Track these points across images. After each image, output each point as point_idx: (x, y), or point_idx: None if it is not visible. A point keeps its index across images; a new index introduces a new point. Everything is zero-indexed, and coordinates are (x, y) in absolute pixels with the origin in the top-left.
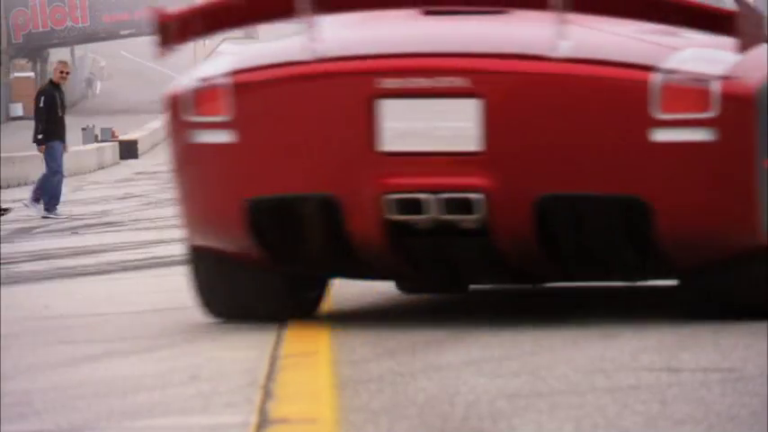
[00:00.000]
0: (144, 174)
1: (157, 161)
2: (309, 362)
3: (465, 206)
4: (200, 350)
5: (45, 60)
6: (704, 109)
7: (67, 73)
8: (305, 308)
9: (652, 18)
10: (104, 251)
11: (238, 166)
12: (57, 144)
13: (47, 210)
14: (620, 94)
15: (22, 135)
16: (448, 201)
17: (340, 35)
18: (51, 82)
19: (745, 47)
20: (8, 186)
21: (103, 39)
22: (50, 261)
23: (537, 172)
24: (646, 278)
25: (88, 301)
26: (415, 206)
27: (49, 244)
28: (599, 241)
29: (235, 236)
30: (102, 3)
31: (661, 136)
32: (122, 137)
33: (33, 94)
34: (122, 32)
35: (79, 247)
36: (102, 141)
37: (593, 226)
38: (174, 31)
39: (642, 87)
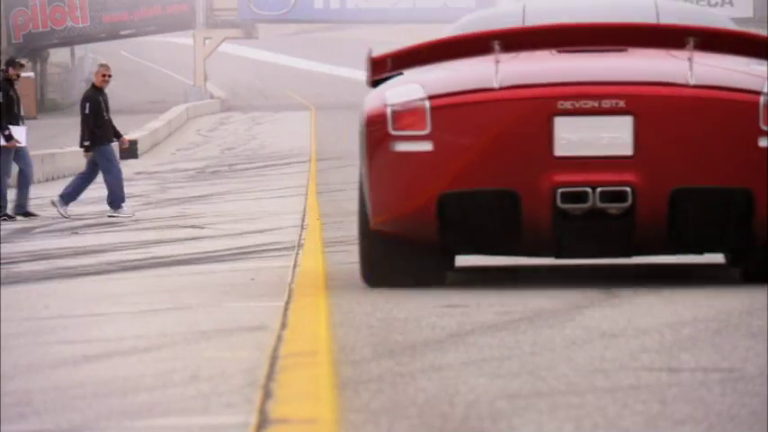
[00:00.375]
0: (144, 174)
1: (157, 161)
2: (309, 362)
3: (617, 197)
4: (200, 350)
5: (45, 60)
6: None
7: (109, 76)
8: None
9: (746, 54)
10: (104, 251)
11: (434, 168)
12: (106, 146)
13: (112, 208)
14: (736, 111)
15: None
16: (604, 193)
17: (518, 68)
18: (94, 86)
19: None
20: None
21: (103, 39)
22: (50, 261)
23: (672, 171)
24: (730, 253)
25: (88, 301)
26: (580, 197)
27: (49, 244)
28: (713, 223)
29: (424, 225)
30: (102, 3)
31: (766, 143)
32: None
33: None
34: (122, 32)
35: (79, 247)
36: None
37: (711, 211)
38: (385, 66)
39: (754, 107)
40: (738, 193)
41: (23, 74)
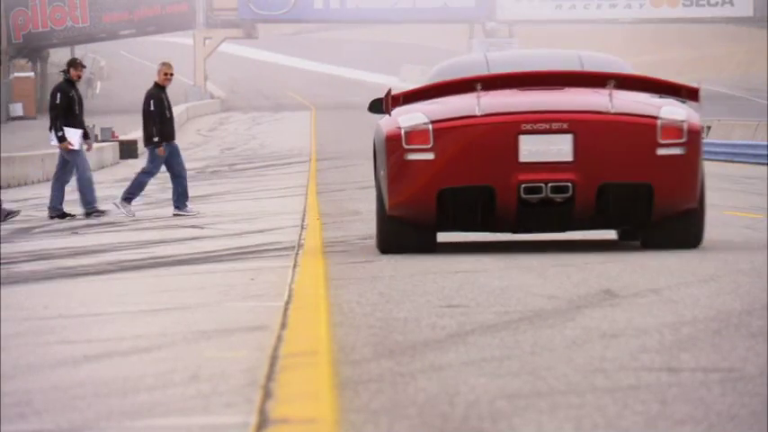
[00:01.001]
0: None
1: None
2: (309, 362)
3: (562, 189)
4: (200, 350)
5: (45, 60)
6: (680, 137)
7: (172, 74)
8: (432, 249)
9: (650, 91)
10: (104, 251)
11: (435, 171)
12: (164, 146)
13: (177, 207)
14: (641, 130)
15: (22, 135)
16: (552, 187)
17: (493, 101)
18: (156, 84)
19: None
20: (8, 186)
21: (103, 39)
22: (50, 261)
23: (599, 172)
24: (637, 228)
25: (88, 301)
26: (536, 190)
27: (49, 244)
28: (627, 208)
29: (427, 211)
30: (102, 3)
31: (661, 151)
32: (122, 137)
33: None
34: (122, 32)
35: (79, 247)
36: (102, 141)
37: (626, 199)
38: (399, 101)
39: (653, 127)
40: (643, 186)
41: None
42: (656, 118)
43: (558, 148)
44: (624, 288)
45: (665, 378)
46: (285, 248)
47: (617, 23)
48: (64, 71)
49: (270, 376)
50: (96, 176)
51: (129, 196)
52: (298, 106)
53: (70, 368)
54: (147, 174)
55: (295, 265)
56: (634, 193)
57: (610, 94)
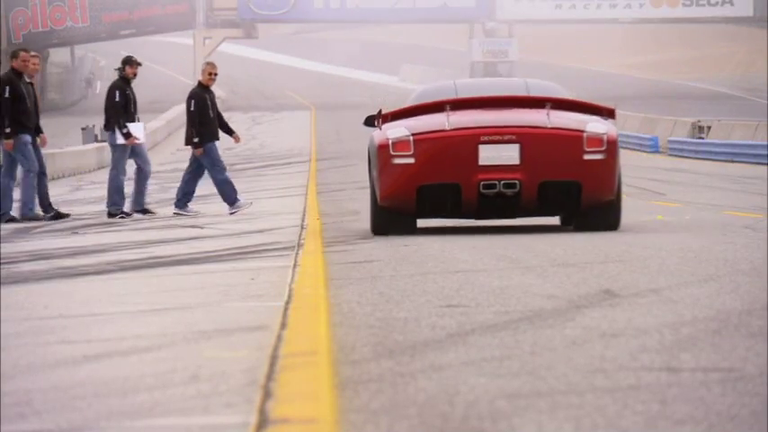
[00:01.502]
0: None
1: (157, 161)
2: (309, 362)
3: (511, 186)
4: (200, 350)
5: (45, 60)
6: (601, 146)
7: (216, 74)
8: (413, 231)
9: (578, 111)
10: (104, 251)
11: (414, 172)
12: (211, 146)
13: (177, 206)
14: (572, 140)
15: None
16: (504, 184)
17: (459, 119)
18: (200, 84)
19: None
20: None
21: (103, 39)
22: (50, 261)
23: (540, 172)
24: (570, 216)
25: (88, 301)
26: (492, 186)
27: (49, 244)
28: (562, 200)
29: (409, 202)
30: (102, 3)
31: (587, 156)
32: None
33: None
34: (122, 32)
35: (79, 247)
36: (102, 141)
37: (561, 193)
38: (387, 118)
39: (580, 138)
40: (574, 184)
41: None
42: (582, 131)
43: (509, 154)
44: (624, 288)
45: (665, 378)
46: (285, 248)
47: (617, 23)
48: (119, 69)
49: (270, 376)
50: (97, 176)
51: (224, 199)
52: (298, 106)
53: (70, 368)
54: (220, 172)
55: (295, 265)
56: (567, 189)
57: (548, 113)
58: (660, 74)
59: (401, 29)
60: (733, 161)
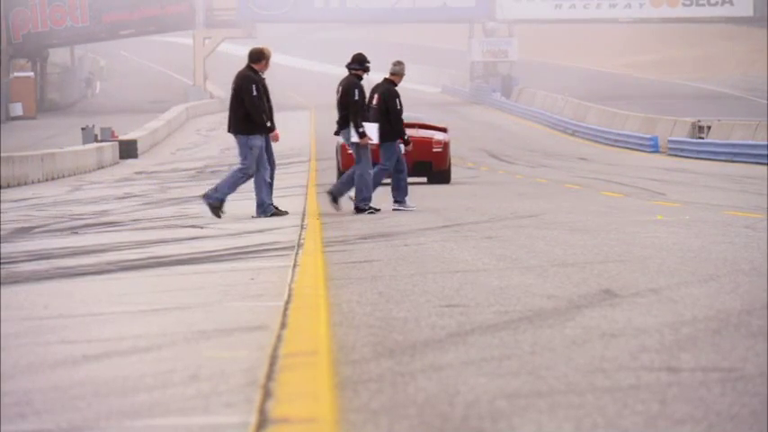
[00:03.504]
0: (144, 173)
1: (157, 161)
2: (309, 361)
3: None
4: (200, 350)
5: (45, 60)
6: (440, 146)
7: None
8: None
9: (431, 129)
10: (104, 251)
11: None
12: (390, 144)
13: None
14: (428, 142)
15: (22, 135)
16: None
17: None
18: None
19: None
20: (8, 186)
21: (103, 39)
22: (50, 261)
23: (415, 156)
24: (428, 177)
25: (88, 301)
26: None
27: (49, 244)
28: (424, 169)
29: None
30: (101, 3)
31: (434, 149)
32: (122, 137)
33: (33, 94)
34: (122, 32)
35: (79, 247)
36: (102, 141)
37: (423, 166)
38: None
39: (431, 141)
40: (429, 162)
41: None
42: (431, 138)
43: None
44: (624, 288)
45: (664, 378)
46: (285, 248)
47: (617, 23)
48: (353, 67)
49: (270, 376)
50: (96, 176)
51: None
52: (297, 106)
53: (70, 368)
54: (385, 170)
55: (295, 265)
56: (425, 164)
57: (418, 130)
58: (660, 74)
59: (401, 29)
60: (733, 161)
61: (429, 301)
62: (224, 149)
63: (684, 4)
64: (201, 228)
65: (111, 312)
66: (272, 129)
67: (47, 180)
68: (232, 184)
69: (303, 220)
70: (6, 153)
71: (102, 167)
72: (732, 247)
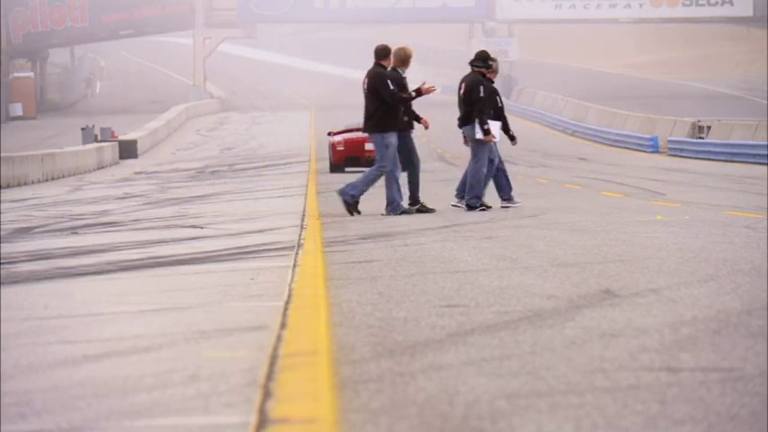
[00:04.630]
0: (144, 173)
1: (157, 161)
2: (309, 362)
3: (371, 154)
4: (200, 350)
5: (45, 60)
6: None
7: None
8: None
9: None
10: (104, 251)
11: (343, 152)
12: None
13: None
14: (365, 143)
15: (22, 135)
16: (366, 159)
17: (353, 135)
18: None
19: None
20: (8, 186)
21: (103, 39)
22: (50, 261)
23: (351, 153)
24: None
25: (88, 301)
26: (368, 156)
27: (49, 244)
28: (356, 164)
29: (341, 162)
30: (102, 3)
31: (366, 148)
32: (122, 137)
33: (33, 94)
34: (122, 32)
35: (79, 247)
36: (102, 141)
37: (356, 161)
38: (332, 133)
39: (364, 141)
40: (359, 157)
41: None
42: (365, 138)
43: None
44: (624, 288)
45: (664, 378)
46: (285, 248)
47: (617, 23)
48: (476, 65)
49: (270, 376)
50: (96, 176)
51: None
52: (297, 106)
53: (70, 368)
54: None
55: (295, 265)
56: (356, 159)
57: (354, 132)
58: (660, 74)
59: (401, 29)
60: (733, 161)
61: (429, 301)
62: (224, 149)
63: (684, 4)
64: (202, 228)
65: (111, 312)
66: (411, 124)
67: (47, 180)
68: (368, 182)
69: (303, 220)
70: (6, 153)
71: (102, 167)
72: (732, 247)
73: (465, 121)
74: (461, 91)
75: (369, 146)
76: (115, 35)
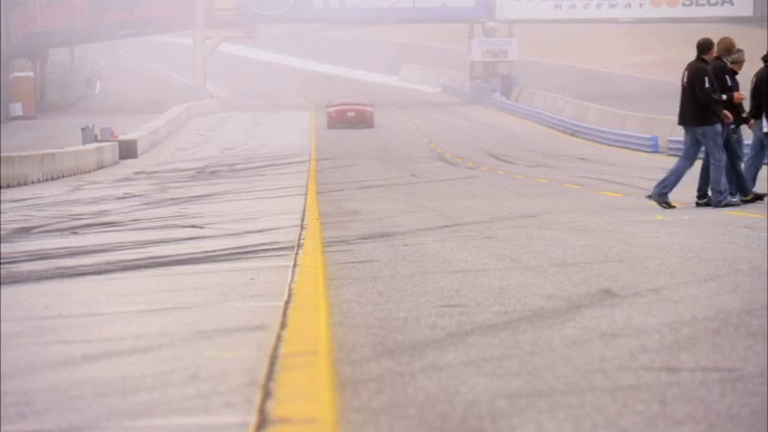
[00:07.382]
0: (144, 173)
1: (157, 161)
2: (309, 361)
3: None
4: (200, 350)
5: (45, 60)
6: (372, 111)
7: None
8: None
9: (367, 106)
10: (104, 251)
11: (336, 118)
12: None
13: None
14: (368, 111)
15: (22, 135)
16: (353, 116)
17: (341, 108)
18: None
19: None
20: (8, 186)
21: (103, 39)
22: (50, 261)
23: (358, 119)
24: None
25: (88, 301)
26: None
27: (49, 244)
28: (359, 126)
29: (334, 124)
30: (102, 3)
31: (367, 114)
32: (122, 137)
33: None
34: (122, 32)
35: (79, 247)
36: (102, 141)
37: (362, 122)
38: (330, 105)
39: (371, 111)
40: (363, 120)
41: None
42: (366, 108)
43: (352, 115)
44: (624, 288)
45: (664, 378)
46: (285, 248)
47: (617, 23)
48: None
49: (270, 376)
50: (96, 176)
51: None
52: (297, 106)
53: (70, 368)
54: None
55: (295, 265)
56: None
57: (358, 106)
58: (660, 73)
59: (401, 29)
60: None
61: (429, 301)
62: (224, 149)
63: (684, 4)
64: (201, 228)
65: (111, 312)
66: (721, 120)
67: (47, 180)
68: (678, 177)
69: (303, 220)
70: (6, 153)
71: (102, 167)
72: (732, 247)
73: (755, 115)
74: (752, 86)
75: (350, 113)
76: (115, 35)
